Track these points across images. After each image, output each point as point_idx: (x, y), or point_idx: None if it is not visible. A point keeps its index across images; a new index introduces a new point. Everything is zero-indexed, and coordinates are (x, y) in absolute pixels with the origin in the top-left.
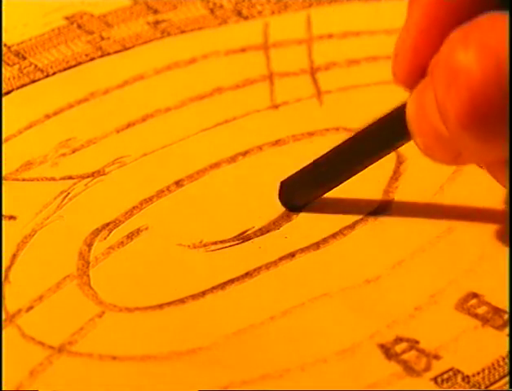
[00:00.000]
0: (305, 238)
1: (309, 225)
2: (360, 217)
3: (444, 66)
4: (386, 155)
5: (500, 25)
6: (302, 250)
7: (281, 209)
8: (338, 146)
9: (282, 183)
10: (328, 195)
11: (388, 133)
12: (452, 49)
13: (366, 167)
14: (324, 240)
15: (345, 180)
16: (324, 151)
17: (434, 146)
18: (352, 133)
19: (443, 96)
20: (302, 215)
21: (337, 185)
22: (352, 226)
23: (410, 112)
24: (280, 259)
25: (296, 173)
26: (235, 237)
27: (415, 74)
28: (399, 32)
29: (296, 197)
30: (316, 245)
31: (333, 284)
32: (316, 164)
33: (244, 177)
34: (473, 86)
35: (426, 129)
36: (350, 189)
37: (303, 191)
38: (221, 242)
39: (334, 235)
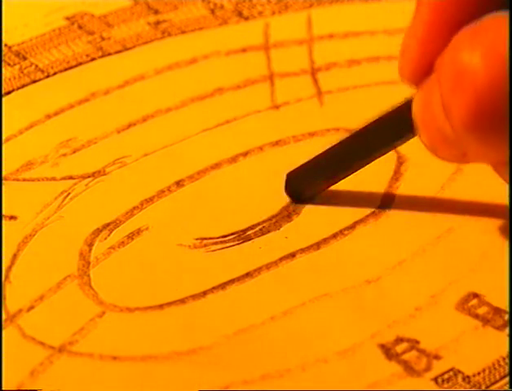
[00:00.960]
0: (305, 238)
1: (309, 225)
2: (361, 217)
3: (450, 66)
4: (392, 149)
5: (506, 26)
6: (303, 250)
7: (282, 209)
8: (346, 138)
9: (289, 175)
10: (329, 194)
11: (394, 127)
12: (458, 49)
13: (372, 160)
14: (325, 240)
15: (351, 173)
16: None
17: (440, 144)
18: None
19: (449, 97)
20: (303, 215)
21: (344, 177)
22: (353, 227)
23: (416, 109)
24: (281, 259)
25: (303, 164)
26: (235, 237)
27: (421, 71)
28: (407, 29)
29: (302, 188)
30: (317, 245)
31: (333, 284)
32: (324, 155)
33: (244, 177)
34: (478, 88)
35: (432, 127)
36: (350, 189)
37: (310, 183)
38: (221, 242)
39: (335, 236)
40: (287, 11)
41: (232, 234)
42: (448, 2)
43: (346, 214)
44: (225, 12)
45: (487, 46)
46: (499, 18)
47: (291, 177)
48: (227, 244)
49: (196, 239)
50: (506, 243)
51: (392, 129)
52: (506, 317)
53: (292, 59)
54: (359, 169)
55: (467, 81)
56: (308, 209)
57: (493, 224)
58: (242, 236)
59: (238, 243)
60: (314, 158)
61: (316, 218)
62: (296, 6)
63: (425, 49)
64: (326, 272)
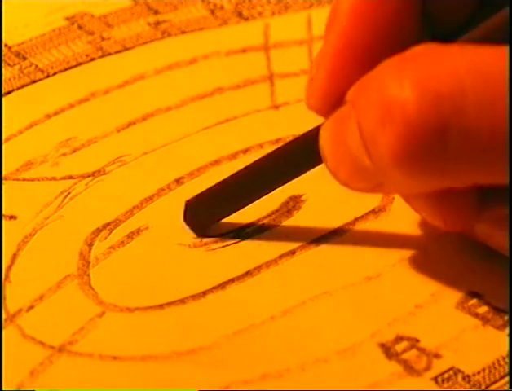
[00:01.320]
0: (305, 235)
1: (309, 222)
2: (361, 214)
3: (376, 99)
4: (296, 177)
5: (436, 58)
6: (303, 247)
7: (281, 206)
8: (248, 166)
9: (187, 203)
10: (329, 192)
11: (298, 158)
12: (385, 82)
13: (275, 189)
14: (325, 237)
15: (253, 201)
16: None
17: (352, 176)
18: None
19: (374, 130)
20: (303, 212)
21: (246, 205)
22: (353, 223)
23: (324, 141)
24: (281, 257)
25: (202, 192)
26: (235, 235)
27: (330, 101)
28: (314, 58)
29: (202, 217)
30: (316, 242)
31: (333, 282)
32: (225, 184)
33: None
34: (408, 120)
35: (344, 158)
36: None
37: (210, 212)
38: (221, 240)
39: (335, 232)
40: (287, 12)
41: (232, 231)
42: (356, 30)
43: (347, 211)
44: (225, 13)
45: (416, 78)
46: (426, 48)
47: (191, 205)
48: (227, 242)
49: (196, 237)
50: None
51: (297, 159)
52: (506, 317)
53: (292, 59)
54: (262, 197)
55: (397, 113)
56: (308, 205)
57: None
58: (242, 234)
59: (238, 241)
60: (215, 185)
61: (316, 215)
62: (296, 7)
63: (334, 78)
64: (326, 269)
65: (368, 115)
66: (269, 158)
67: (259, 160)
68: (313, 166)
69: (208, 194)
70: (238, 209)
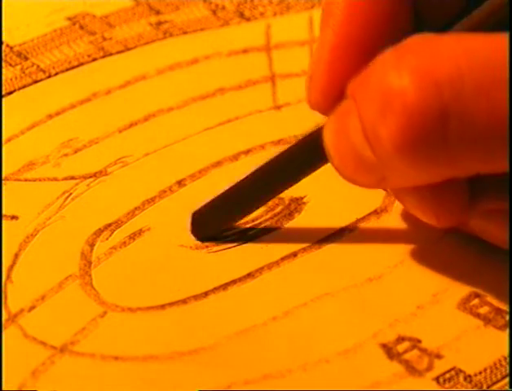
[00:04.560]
0: (307, 237)
1: (311, 224)
2: (362, 215)
3: (376, 91)
4: (302, 178)
5: (433, 46)
6: (304, 249)
7: (283, 208)
8: (254, 172)
9: (194, 214)
10: (331, 194)
11: (304, 158)
12: (383, 73)
13: (282, 192)
14: (326, 239)
15: (261, 205)
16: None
17: (356, 170)
18: None
19: (375, 121)
20: (304, 214)
21: (254, 210)
22: (354, 225)
23: (328, 138)
24: (282, 259)
25: (208, 202)
26: (237, 237)
27: (331, 98)
28: (312, 56)
29: (209, 227)
30: (318, 244)
31: (335, 283)
32: (232, 190)
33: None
34: (409, 109)
35: (348, 153)
36: (352, 189)
37: (217, 221)
38: (223, 242)
39: (336, 234)
40: (288, 12)
41: (234, 233)
42: (352, 23)
43: (348, 212)
44: (227, 13)
45: (414, 67)
46: (422, 38)
47: (197, 216)
48: (229, 245)
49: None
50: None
51: (303, 158)
52: (508, 317)
53: (293, 60)
54: (270, 200)
55: (397, 103)
56: (310, 207)
57: None
58: (244, 236)
59: (240, 243)
60: (222, 193)
61: (318, 217)
62: (297, 7)
63: (332, 74)
64: (327, 271)
65: (368, 107)
66: (274, 161)
67: (265, 164)
68: (320, 165)
69: (215, 203)
70: (246, 215)
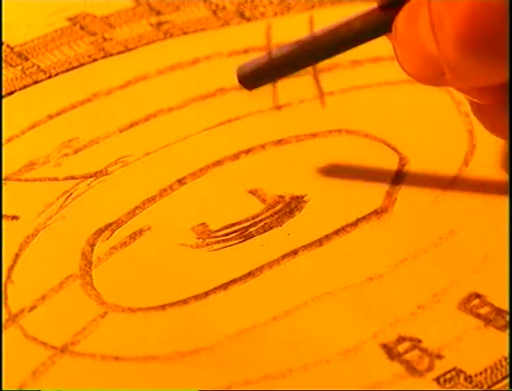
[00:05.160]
0: (307, 236)
1: (312, 222)
2: (363, 215)
3: None
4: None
5: None
6: (305, 247)
7: (284, 206)
8: (311, 34)
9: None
10: (331, 193)
11: (364, 30)
12: None
13: (334, 55)
14: (327, 237)
15: (310, 65)
16: (328, 153)
17: (419, 65)
18: (355, 136)
19: (442, 12)
20: (305, 211)
21: (302, 69)
22: (355, 224)
23: (400, 25)
24: (283, 257)
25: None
26: (237, 235)
27: None
28: None
29: (258, 77)
30: (319, 242)
31: (335, 282)
32: (287, 47)
33: (246, 174)
34: (474, 4)
35: (413, 43)
36: (353, 188)
37: (267, 71)
38: (223, 240)
39: (337, 233)
40: (289, 12)
41: (234, 231)
42: None
43: (349, 212)
44: (227, 13)
45: None
46: None
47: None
48: (230, 243)
49: (198, 238)
50: (508, 244)
51: (362, 31)
52: (508, 318)
53: None
54: (318, 62)
55: None
56: (311, 206)
57: (495, 225)
58: (244, 234)
59: (240, 241)
60: (277, 49)
61: (319, 215)
62: (298, 7)
63: None
64: (328, 270)
65: None
66: (336, 26)
67: (324, 28)
68: (378, 36)
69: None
70: (295, 71)
